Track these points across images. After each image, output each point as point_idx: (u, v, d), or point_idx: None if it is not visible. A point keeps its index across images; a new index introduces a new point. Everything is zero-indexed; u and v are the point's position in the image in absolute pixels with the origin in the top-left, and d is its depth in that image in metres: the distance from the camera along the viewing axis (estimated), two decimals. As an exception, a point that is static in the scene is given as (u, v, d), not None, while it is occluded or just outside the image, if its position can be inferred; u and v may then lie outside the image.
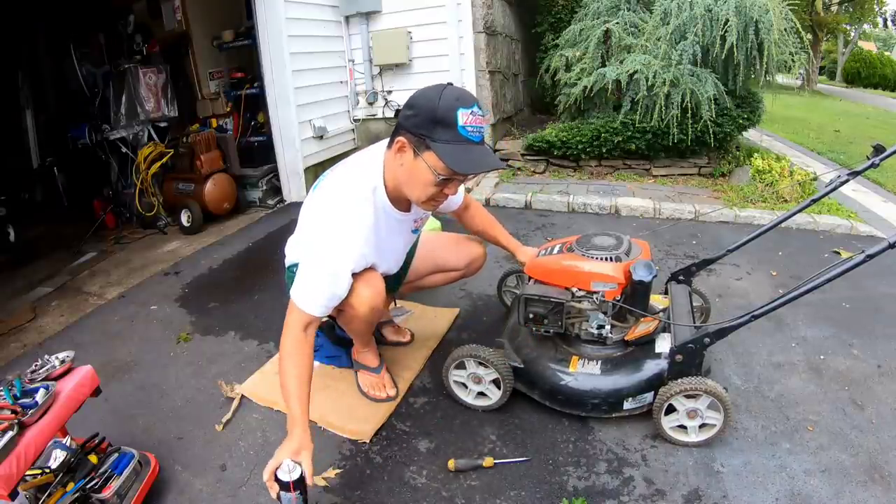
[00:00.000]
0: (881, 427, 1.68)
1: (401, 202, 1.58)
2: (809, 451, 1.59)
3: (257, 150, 4.61)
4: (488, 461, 1.56)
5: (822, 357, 2.05)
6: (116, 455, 1.48)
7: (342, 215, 1.46)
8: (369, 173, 1.52)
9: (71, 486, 1.35)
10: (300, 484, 1.33)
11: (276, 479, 1.31)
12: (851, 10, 18.68)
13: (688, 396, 1.55)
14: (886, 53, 26.73)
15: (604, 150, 4.29)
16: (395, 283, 1.96)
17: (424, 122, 1.34)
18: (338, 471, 1.59)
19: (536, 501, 1.47)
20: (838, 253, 2.97)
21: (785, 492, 1.46)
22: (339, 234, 1.44)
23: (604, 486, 1.51)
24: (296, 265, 1.76)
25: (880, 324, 2.26)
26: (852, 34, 22.31)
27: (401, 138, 1.40)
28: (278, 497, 1.28)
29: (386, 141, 1.55)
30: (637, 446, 1.64)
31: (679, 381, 1.54)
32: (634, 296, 1.63)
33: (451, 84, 1.41)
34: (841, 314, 2.34)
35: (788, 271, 2.76)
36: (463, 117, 1.33)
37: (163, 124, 4.34)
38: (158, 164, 4.09)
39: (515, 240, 2.05)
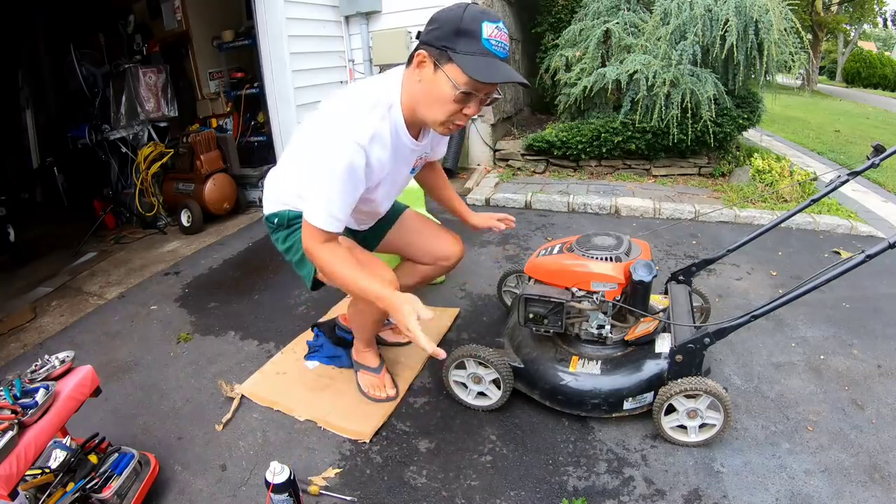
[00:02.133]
0: (881, 427, 1.68)
1: (414, 127, 1.45)
2: (809, 451, 1.59)
3: (257, 150, 4.61)
4: (314, 489, 1.52)
5: (822, 357, 2.05)
6: (116, 455, 1.49)
7: (356, 111, 1.33)
8: (386, 89, 1.39)
9: (71, 486, 1.35)
10: (289, 485, 1.34)
11: (265, 482, 1.32)
12: (851, 10, 18.68)
13: (688, 396, 1.55)
14: (886, 53, 26.72)
15: (604, 150, 4.29)
16: (367, 244, 1.80)
17: (447, 34, 1.26)
18: (338, 471, 1.59)
19: (536, 501, 1.47)
20: (838, 253, 2.97)
21: (785, 492, 1.46)
22: (352, 125, 1.31)
23: (604, 486, 1.51)
24: (276, 215, 1.65)
25: (880, 324, 2.26)
26: (852, 34, 22.32)
27: (421, 51, 1.30)
28: (269, 500, 1.29)
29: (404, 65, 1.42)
30: (637, 446, 1.64)
31: (679, 381, 1.54)
32: (634, 296, 1.63)
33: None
34: (841, 314, 2.34)
35: (788, 271, 2.76)
36: (488, 29, 1.24)
37: (163, 124, 4.34)
38: (158, 164, 4.09)
39: (467, 206, 1.98)
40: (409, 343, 2.20)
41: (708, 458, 1.58)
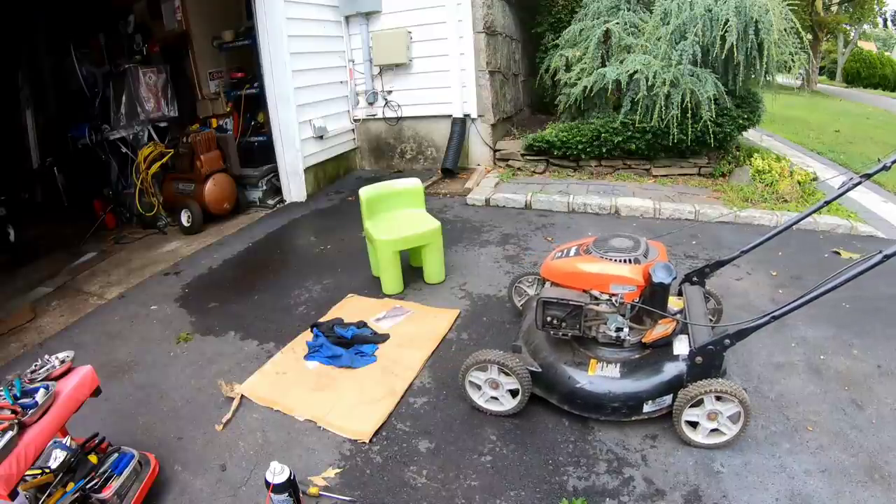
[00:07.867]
0: (881, 427, 1.68)
1: None
2: (809, 451, 1.59)
3: (257, 150, 4.61)
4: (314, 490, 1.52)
5: (822, 357, 2.05)
6: (116, 455, 1.49)
7: None
8: None
9: (71, 486, 1.35)
10: (289, 485, 1.34)
11: (265, 482, 1.32)
12: (851, 10, 18.66)
13: (718, 398, 1.54)
14: (886, 53, 26.69)
15: (604, 150, 4.30)
16: None
17: None
18: (338, 471, 1.59)
19: (536, 501, 1.47)
20: (838, 253, 2.97)
21: (785, 492, 1.46)
22: None
23: (604, 486, 1.51)
24: None
25: (880, 324, 2.26)
26: (852, 34, 22.29)
27: None
28: (269, 500, 1.30)
29: None
30: (637, 446, 1.64)
31: (699, 383, 1.53)
32: (654, 298, 1.61)
33: None
34: (841, 314, 2.34)
35: (788, 271, 2.76)
36: None
37: (163, 124, 4.34)
38: (158, 164, 4.09)
39: None
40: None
41: (708, 458, 1.58)
